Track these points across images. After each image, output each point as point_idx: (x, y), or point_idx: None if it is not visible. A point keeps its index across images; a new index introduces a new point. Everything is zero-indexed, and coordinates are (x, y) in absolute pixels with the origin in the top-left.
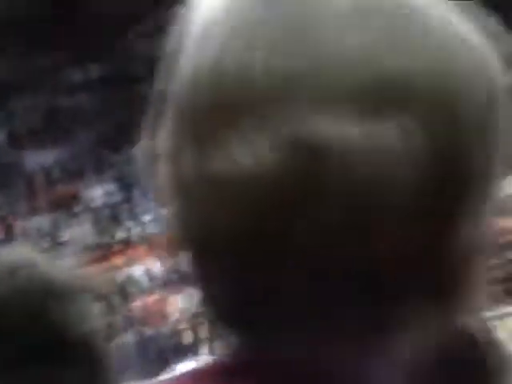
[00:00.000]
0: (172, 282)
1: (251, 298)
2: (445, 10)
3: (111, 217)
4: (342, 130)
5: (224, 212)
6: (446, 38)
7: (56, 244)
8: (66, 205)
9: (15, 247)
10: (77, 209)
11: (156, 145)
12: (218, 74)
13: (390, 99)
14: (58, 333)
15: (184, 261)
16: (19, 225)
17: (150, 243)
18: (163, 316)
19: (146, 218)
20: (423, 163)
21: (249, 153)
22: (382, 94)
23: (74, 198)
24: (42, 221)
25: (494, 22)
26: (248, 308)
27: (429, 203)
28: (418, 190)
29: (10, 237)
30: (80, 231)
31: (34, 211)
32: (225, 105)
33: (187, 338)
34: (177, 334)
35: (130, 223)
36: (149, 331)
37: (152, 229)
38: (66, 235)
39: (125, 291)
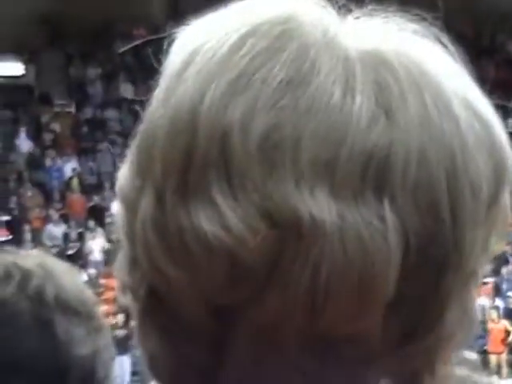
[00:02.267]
0: None
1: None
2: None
3: None
4: (316, 207)
5: (179, 272)
6: (437, 119)
7: (65, 255)
8: (83, 216)
9: (33, 252)
10: (92, 222)
11: (118, 183)
12: (192, 129)
13: (368, 182)
14: (63, 351)
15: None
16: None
17: None
18: None
19: None
20: (396, 252)
21: (215, 218)
22: (360, 175)
23: (92, 209)
24: (56, 229)
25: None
26: None
27: (402, 291)
28: (391, 278)
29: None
30: (94, 244)
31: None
32: (196, 163)
33: None
34: None
35: None
36: None
37: None
38: (79, 247)
39: None
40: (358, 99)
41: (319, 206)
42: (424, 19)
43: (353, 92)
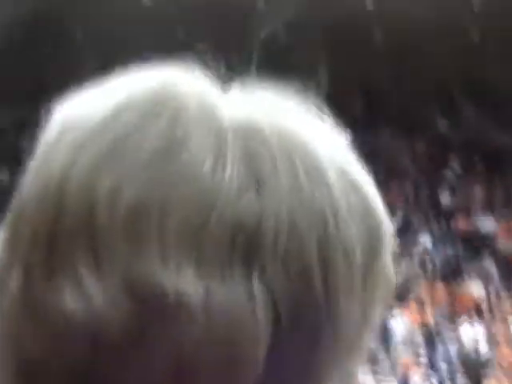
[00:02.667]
0: None
1: None
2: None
3: None
4: (181, 284)
5: (43, 349)
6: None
7: None
8: None
9: None
10: None
11: None
12: (60, 201)
13: (237, 254)
14: None
15: None
16: None
17: None
18: None
19: None
20: (265, 328)
21: (80, 294)
22: (229, 247)
23: None
24: None
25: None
26: None
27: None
28: (260, 354)
29: None
30: None
31: None
32: (62, 236)
33: None
34: None
35: None
36: None
37: None
38: None
39: None
40: (229, 168)
41: (185, 282)
42: (306, 91)
43: (224, 161)
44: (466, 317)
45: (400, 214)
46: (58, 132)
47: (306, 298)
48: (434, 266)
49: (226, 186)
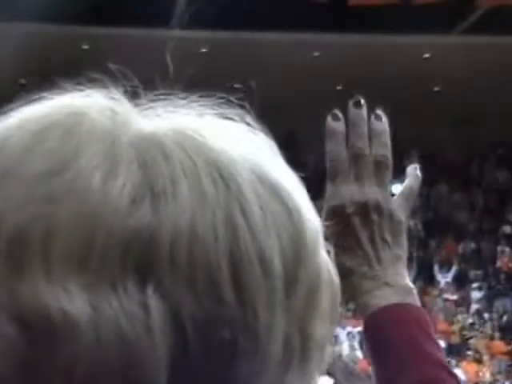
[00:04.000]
0: None
1: None
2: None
3: None
4: (68, 303)
5: None
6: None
7: None
8: None
9: None
10: None
11: None
12: None
13: (130, 267)
14: None
15: None
16: None
17: None
18: None
19: None
20: (163, 342)
21: None
22: (120, 261)
23: None
24: None
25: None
26: None
27: None
28: (161, 371)
29: None
30: None
31: None
32: None
33: None
34: None
35: None
36: None
37: None
38: None
39: None
40: (120, 181)
41: (72, 300)
42: (230, 102)
43: (115, 175)
44: None
45: (456, 267)
46: None
47: (216, 312)
48: (492, 321)
49: (115, 201)
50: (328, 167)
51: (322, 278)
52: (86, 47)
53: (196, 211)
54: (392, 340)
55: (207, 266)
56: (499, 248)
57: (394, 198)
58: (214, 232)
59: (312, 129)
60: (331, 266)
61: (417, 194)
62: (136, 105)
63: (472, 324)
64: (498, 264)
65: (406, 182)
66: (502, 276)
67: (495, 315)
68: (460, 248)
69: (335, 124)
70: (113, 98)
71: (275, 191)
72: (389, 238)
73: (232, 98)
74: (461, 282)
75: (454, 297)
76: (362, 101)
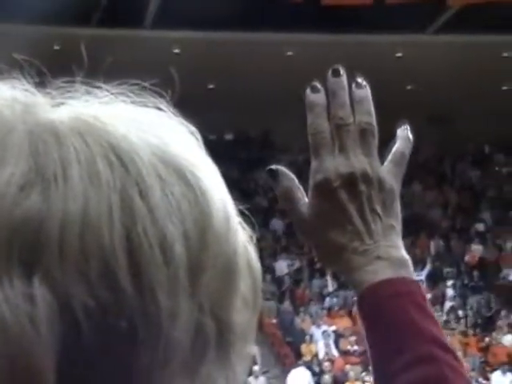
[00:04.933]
0: None
1: None
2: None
3: None
4: None
5: None
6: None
7: None
8: None
9: None
10: None
11: None
12: None
13: (15, 258)
14: None
15: None
16: None
17: None
18: None
19: None
20: (50, 334)
21: None
22: (6, 254)
23: None
24: None
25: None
26: None
27: None
28: (48, 364)
29: None
30: None
31: None
32: None
33: None
34: None
35: None
36: None
37: None
38: None
39: None
40: (9, 169)
41: None
42: (144, 89)
43: (3, 163)
44: (498, 369)
45: (430, 265)
46: None
47: (112, 302)
48: (466, 317)
49: (3, 188)
50: (310, 141)
51: (237, 263)
52: (57, 47)
53: (89, 196)
54: (385, 319)
55: (101, 253)
56: (472, 246)
57: (384, 164)
58: (109, 216)
59: (287, 128)
60: (251, 251)
61: (408, 157)
62: (50, 95)
63: (446, 322)
64: (471, 261)
65: (397, 145)
66: (476, 273)
67: (469, 312)
68: (433, 246)
69: (314, 96)
70: (20, 89)
71: (181, 174)
72: (379, 208)
73: (148, 85)
74: (434, 280)
75: (428, 295)
76: (341, 69)
